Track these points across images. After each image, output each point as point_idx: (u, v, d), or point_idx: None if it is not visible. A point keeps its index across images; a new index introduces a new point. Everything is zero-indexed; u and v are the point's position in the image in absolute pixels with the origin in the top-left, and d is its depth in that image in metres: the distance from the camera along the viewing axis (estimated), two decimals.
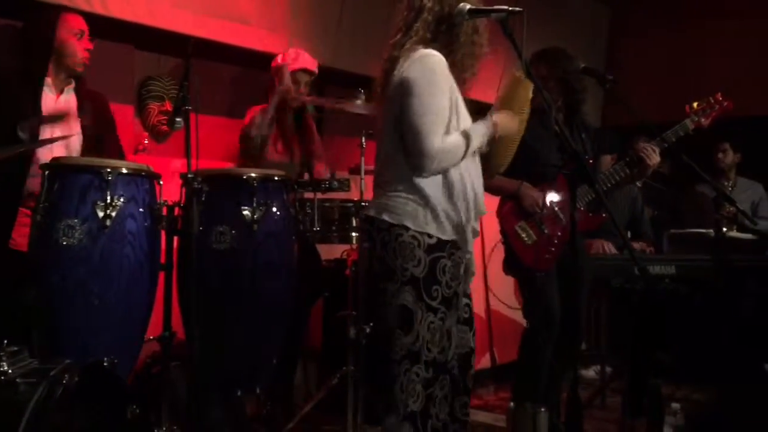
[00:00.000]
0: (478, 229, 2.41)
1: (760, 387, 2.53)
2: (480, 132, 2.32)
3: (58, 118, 2.88)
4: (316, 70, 3.71)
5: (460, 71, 2.34)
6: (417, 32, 2.29)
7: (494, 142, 2.37)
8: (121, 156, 3.11)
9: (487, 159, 2.48)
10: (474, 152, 2.33)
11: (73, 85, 3.04)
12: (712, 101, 3.33)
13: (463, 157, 2.27)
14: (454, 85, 2.31)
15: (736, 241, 4.05)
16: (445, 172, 2.28)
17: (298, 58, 3.63)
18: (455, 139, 2.25)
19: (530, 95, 2.40)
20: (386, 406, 2.28)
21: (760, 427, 2.53)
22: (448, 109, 2.25)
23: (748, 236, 4.10)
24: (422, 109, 2.21)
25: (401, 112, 2.25)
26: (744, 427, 2.59)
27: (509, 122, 2.38)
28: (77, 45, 2.96)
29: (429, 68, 2.23)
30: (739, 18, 5.59)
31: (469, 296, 2.39)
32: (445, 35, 2.30)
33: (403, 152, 2.27)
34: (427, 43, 2.28)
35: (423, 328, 2.23)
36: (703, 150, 3.72)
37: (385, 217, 2.27)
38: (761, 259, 4.07)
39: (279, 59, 3.65)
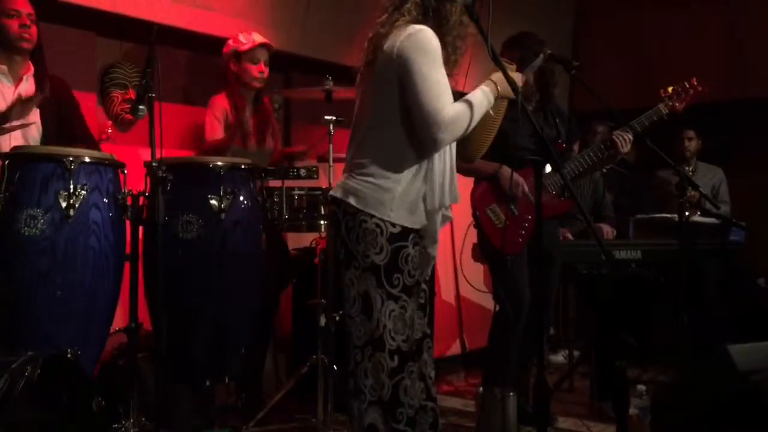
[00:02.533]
0: (451, 215, 2.40)
1: (722, 368, 2.57)
2: (481, 95, 2.30)
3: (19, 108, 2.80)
4: (270, 43, 3.60)
5: (450, 53, 2.33)
6: (409, 12, 2.26)
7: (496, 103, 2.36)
8: (90, 143, 3.06)
9: (464, 145, 2.48)
10: (482, 115, 2.30)
11: (31, 71, 2.97)
12: (687, 86, 3.35)
13: (470, 123, 2.25)
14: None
15: (699, 225, 4.12)
16: (428, 163, 2.26)
17: (250, 37, 3.54)
18: (460, 107, 2.23)
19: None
20: (352, 392, 2.28)
21: (722, 408, 2.58)
22: (447, 79, 2.24)
23: (711, 220, 4.17)
24: (426, 84, 2.18)
25: (403, 91, 2.21)
26: (707, 408, 2.63)
27: (505, 78, 2.32)
28: (11, 23, 2.87)
29: (425, 42, 2.20)
30: (703, 2, 5.67)
31: (426, 281, 2.38)
32: (435, 17, 2.28)
33: (413, 130, 2.22)
34: (418, 24, 2.26)
35: (384, 316, 2.22)
36: (663, 136, 3.76)
37: (351, 201, 2.24)
38: (724, 242, 4.15)
39: (230, 45, 3.56)
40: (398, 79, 2.21)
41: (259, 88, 3.59)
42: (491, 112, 2.38)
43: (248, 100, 3.61)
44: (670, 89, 3.36)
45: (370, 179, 2.24)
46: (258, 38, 3.55)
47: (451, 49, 2.33)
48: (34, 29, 2.92)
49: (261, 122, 3.63)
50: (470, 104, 2.25)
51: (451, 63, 2.34)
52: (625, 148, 3.24)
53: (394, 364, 2.23)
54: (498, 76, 2.32)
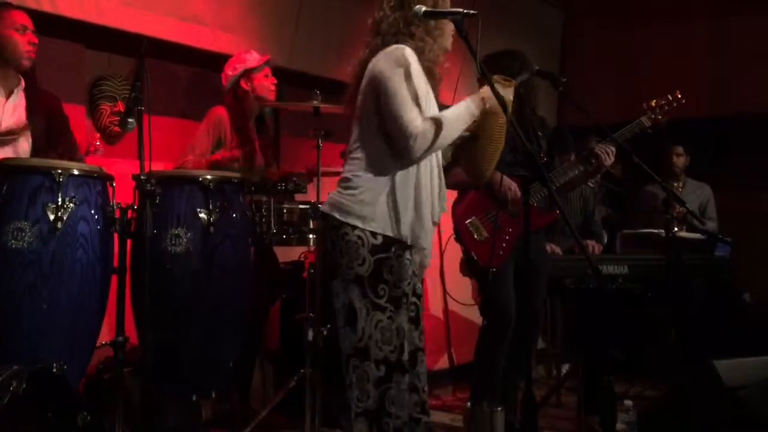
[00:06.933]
0: (437, 220, 2.43)
1: (709, 384, 2.58)
2: (462, 109, 2.34)
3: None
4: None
5: (433, 66, 2.38)
6: (385, 34, 2.34)
7: (486, 118, 2.38)
8: (77, 157, 3.04)
9: (470, 164, 2.51)
10: (462, 128, 2.34)
11: (22, 85, 2.96)
12: (671, 98, 3.38)
13: (446, 134, 2.28)
14: (427, 86, 2.35)
15: (685, 240, 4.15)
16: (417, 168, 2.31)
17: (253, 54, 3.58)
18: (434, 119, 2.28)
19: (511, 97, 2.42)
20: (342, 405, 2.29)
21: (709, 424, 2.59)
22: (422, 92, 2.29)
23: (697, 236, 4.20)
24: (398, 97, 2.24)
25: (379, 105, 2.28)
26: (694, 423, 2.64)
27: (492, 96, 2.37)
28: (19, 39, 2.85)
29: (399, 58, 2.27)
30: (688, 19, 5.73)
31: (418, 295, 2.40)
32: (418, 34, 2.34)
33: (389, 143, 2.28)
34: (409, 45, 2.32)
35: (369, 326, 2.25)
36: (652, 151, 3.79)
37: (336, 214, 2.31)
38: (710, 258, 4.18)
39: (237, 67, 3.56)
40: (376, 94, 2.28)
41: (272, 99, 3.62)
42: (491, 125, 2.40)
43: (252, 119, 3.62)
44: (653, 102, 3.39)
45: (353, 192, 2.30)
46: (261, 55, 3.60)
47: (435, 61, 2.39)
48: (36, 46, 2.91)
49: (265, 141, 3.66)
50: (446, 117, 2.30)
51: (436, 77, 2.40)
52: (609, 160, 3.27)
53: (381, 374, 2.25)
54: (487, 90, 2.36)
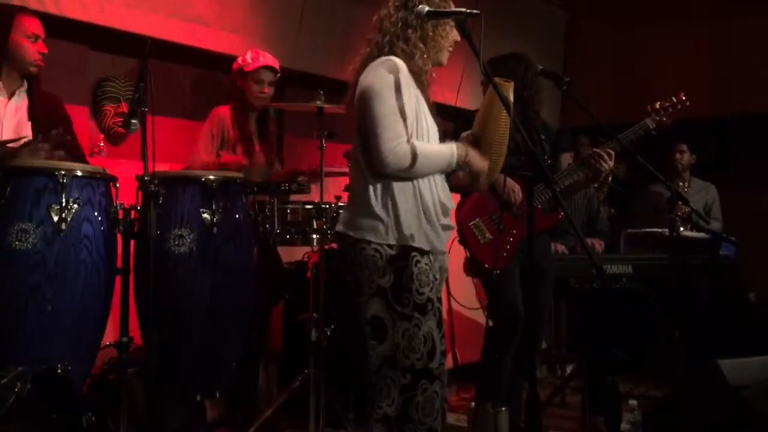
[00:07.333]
0: (452, 223, 2.44)
1: (714, 383, 2.58)
2: (447, 151, 2.34)
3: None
4: (277, 66, 3.64)
5: (421, 72, 2.37)
6: (388, 34, 2.34)
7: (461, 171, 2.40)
8: (80, 158, 3.05)
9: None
10: (436, 173, 2.35)
11: (25, 86, 2.96)
12: (675, 100, 3.37)
13: (420, 166, 2.27)
14: (416, 91, 2.34)
15: (690, 240, 4.15)
16: (414, 180, 2.30)
17: (258, 57, 3.58)
18: (418, 147, 2.26)
19: (512, 97, 2.42)
20: (366, 411, 2.30)
21: (713, 424, 2.59)
22: (405, 111, 2.27)
23: (702, 235, 4.20)
24: (377, 111, 2.24)
25: (360, 118, 2.29)
26: (698, 423, 2.64)
27: (480, 160, 2.39)
28: (30, 47, 2.87)
29: (384, 73, 2.27)
30: (689, 20, 5.73)
31: (439, 299, 2.41)
32: (412, 40, 2.33)
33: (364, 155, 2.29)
34: (399, 48, 2.32)
35: (397, 335, 2.26)
36: (656, 150, 3.78)
37: (350, 232, 2.31)
38: (714, 257, 4.17)
39: (238, 61, 3.60)
40: (359, 107, 2.29)
41: (260, 107, 3.61)
42: (493, 130, 2.40)
43: (253, 117, 3.63)
44: (657, 104, 3.38)
45: (363, 208, 2.30)
46: (264, 59, 3.57)
47: (435, 63, 2.40)
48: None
49: (265, 139, 3.66)
50: (427, 153, 2.28)
51: (424, 86, 2.39)
52: (605, 164, 3.23)
53: (407, 381, 2.25)
54: (474, 154, 2.36)
